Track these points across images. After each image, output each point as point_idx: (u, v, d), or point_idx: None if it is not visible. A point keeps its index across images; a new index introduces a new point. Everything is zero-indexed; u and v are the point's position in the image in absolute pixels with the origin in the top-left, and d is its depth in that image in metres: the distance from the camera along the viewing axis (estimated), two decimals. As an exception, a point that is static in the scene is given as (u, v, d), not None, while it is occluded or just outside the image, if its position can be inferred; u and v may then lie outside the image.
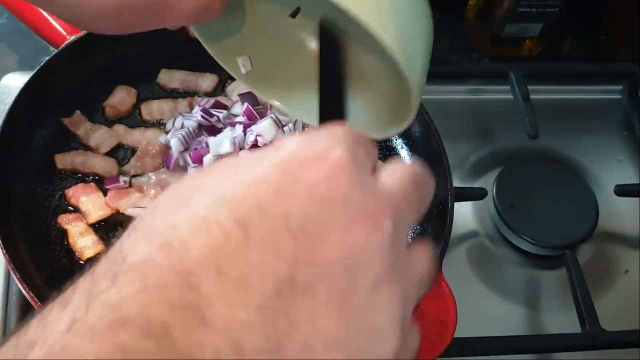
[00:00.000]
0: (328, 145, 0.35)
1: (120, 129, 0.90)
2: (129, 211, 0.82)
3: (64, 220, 0.81)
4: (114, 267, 0.32)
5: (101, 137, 0.88)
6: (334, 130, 0.37)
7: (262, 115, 0.88)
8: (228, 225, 0.32)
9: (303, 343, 0.32)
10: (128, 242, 0.33)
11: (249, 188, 0.33)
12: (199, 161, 0.85)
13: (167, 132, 0.89)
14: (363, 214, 0.34)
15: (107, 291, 0.31)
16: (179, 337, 0.29)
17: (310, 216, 0.33)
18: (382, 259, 0.34)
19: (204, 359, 0.30)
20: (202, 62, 0.96)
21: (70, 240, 0.80)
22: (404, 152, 0.93)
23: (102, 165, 0.86)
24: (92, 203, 0.83)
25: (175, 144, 0.86)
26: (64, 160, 0.85)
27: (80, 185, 0.84)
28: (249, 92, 0.92)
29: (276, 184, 0.33)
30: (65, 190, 0.84)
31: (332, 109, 0.45)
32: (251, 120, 0.88)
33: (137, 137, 0.90)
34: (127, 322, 0.29)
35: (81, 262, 0.79)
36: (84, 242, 0.80)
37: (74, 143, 0.87)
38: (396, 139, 0.94)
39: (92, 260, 0.79)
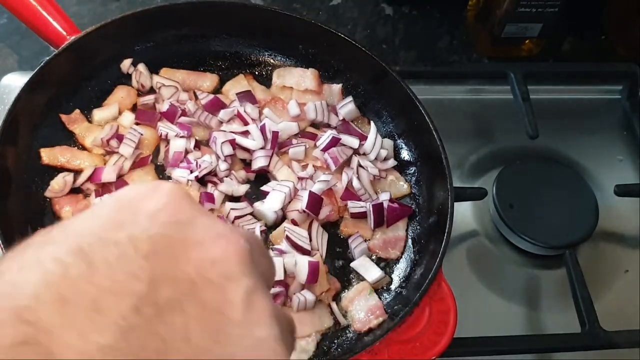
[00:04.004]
0: (162, 183, 0.39)
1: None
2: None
3: None
4: None
5: (97, 138, 0.87)
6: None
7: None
8: (66, 259, 0.32)
9: None
10: None
11: (85, 224, 0.35)
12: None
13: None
14: (215, 233, 0.36)
15: None
16: None
17: (159, 237, 0.34)
18: (247, 272, 0.35)
19: None
20: (202, 62, 0.97)
21: None
22: (404, 152, 0.93)
23: (88, 162, 0.85)
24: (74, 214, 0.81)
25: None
26: (50, 155, 0.84)
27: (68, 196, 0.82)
28: (247, 92, 0.92)
29: (112, 216, 0.36)
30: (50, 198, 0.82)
31: None
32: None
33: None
34: None
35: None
36: None
37: (73, 143, 0.87)
38: (396, 139, 0.94)
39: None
